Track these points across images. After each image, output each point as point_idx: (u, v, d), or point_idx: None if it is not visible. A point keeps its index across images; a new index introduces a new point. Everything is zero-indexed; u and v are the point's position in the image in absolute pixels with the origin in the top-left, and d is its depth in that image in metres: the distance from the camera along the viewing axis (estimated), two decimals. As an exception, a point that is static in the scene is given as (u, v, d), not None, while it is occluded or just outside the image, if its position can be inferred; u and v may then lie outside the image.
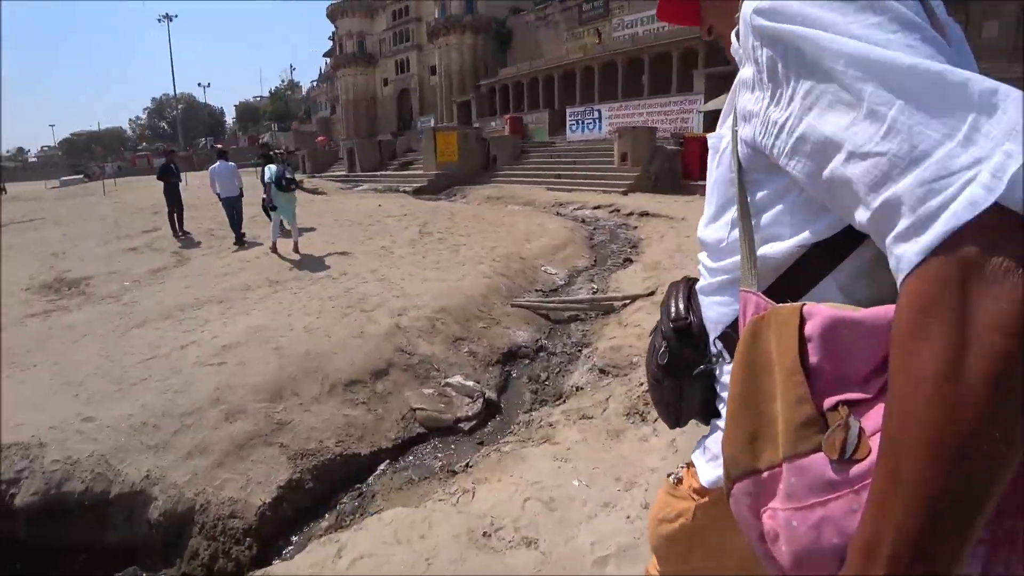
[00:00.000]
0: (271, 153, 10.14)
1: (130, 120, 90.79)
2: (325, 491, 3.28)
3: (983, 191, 0.34)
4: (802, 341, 0.46)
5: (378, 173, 24.45)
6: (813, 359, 0.45)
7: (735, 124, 0.60)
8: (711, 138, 0.69)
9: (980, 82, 0.36)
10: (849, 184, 0.42)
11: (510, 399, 4.15)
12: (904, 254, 0.38)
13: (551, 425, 3.25)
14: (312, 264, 7.20)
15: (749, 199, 0.59)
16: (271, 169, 7.48)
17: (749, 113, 0.55)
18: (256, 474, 3.20)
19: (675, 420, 0.79)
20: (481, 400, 3.82)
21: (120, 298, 6.10)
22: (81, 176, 29.59)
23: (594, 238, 10.13)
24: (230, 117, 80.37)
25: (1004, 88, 0.36)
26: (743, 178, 0.59)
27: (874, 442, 0.40)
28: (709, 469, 0.72)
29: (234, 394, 3.67)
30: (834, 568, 0.41)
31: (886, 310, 0.43)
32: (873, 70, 0.40)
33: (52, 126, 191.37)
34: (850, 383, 0.44)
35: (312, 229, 9.97)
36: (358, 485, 3.33)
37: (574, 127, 22.20)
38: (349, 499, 3.22)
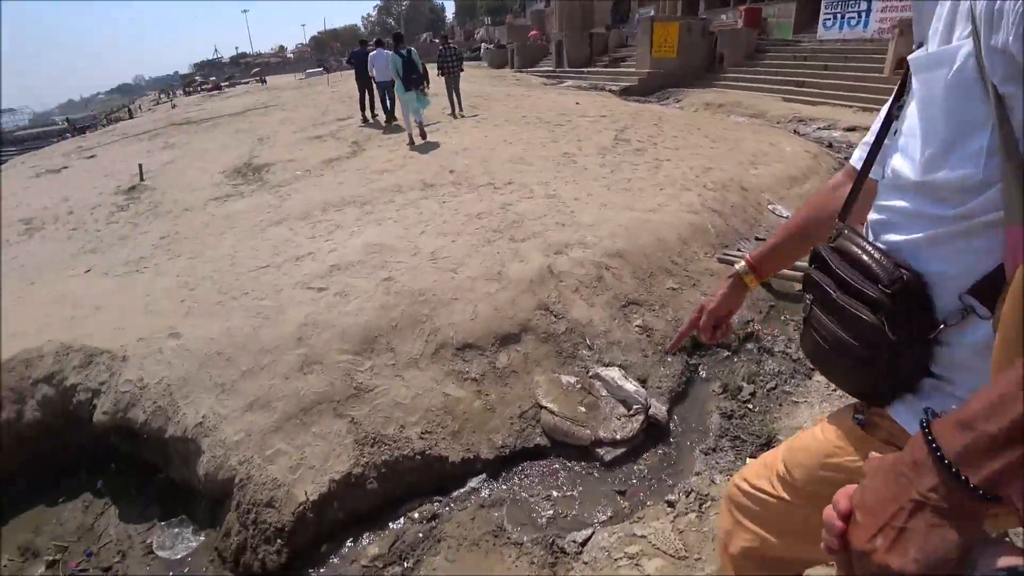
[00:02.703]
0: (454, 39, 9.82)
1: (362, 17, 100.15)
2: (389, 496, 2.42)
3: None
4: None
5: (585, 69, 22.51)
6: None
7: (977, 29, 0.54)
8: (920, 57, 0.62)
9: None
10: None
11: (686, 415, 2.75)
12: None
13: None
14: (476, 169, 6.26)
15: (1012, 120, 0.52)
16: (393, 58, 7.73)
17: (999, 12, 0.51)
18: (312, 454, 2.44)
19: (888, 396, 0.70)
20: (641, 417, 2.51)
21: (282, 189, 5.95)
22: (321, 69, 33.03)
23: (850, 170, 7.39)
24: (450, 12, 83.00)
25: None
26: (998, 94, 0.53)
27: None
28: None
29: (319, 336, 2.93)
30: None
31: None
32: None
33: (303, 25, 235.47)
34: None
35: (474, 115, 9.21)
36: (437, 499, 2.39)
37: (829, 22, 17.17)
38: (417, 521, 2.30)
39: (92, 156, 9.94)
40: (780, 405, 2.68)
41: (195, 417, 2.62)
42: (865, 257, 0.67)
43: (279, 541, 2.24)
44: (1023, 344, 0.48)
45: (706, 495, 2.10)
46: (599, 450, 2.43)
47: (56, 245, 5.40)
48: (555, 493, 2.30)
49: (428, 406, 2.65)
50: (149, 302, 3.50)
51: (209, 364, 2.86)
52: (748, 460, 2.32)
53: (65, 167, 9.30)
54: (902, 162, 0.65)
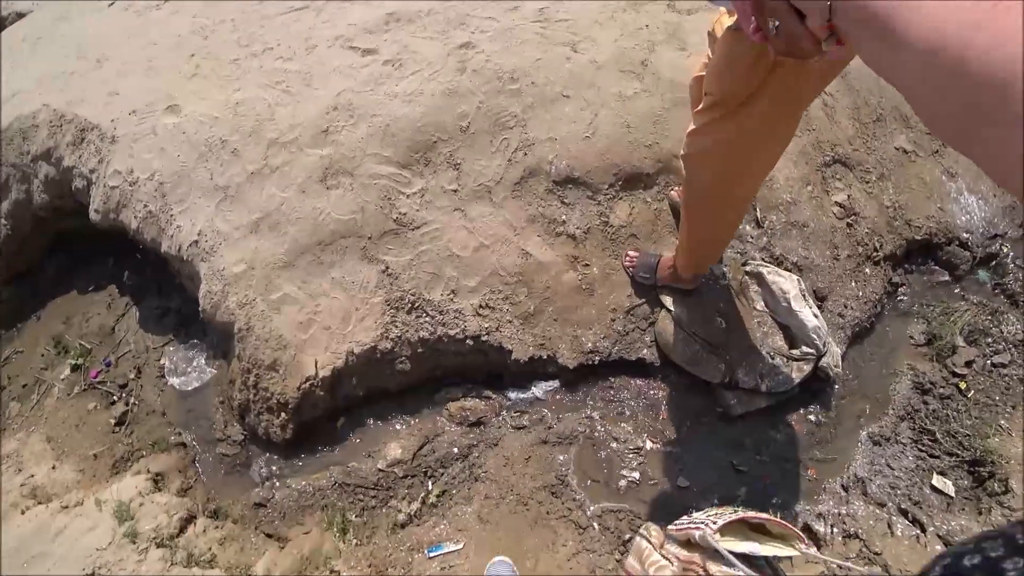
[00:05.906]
0: None
1: None
2: (426, 379, 1.88)
3: None
4: None
5: None
6: None
7: None
8: None
9: None
10: None
11: (862, 366, 1.84)
12: None
13: None
14: None
15: None
16: None
17: None
18: (329, 309, 1.88)
19: None
20: (809, 368, 1.61)
21: None
22: None
23: None
24: None
25: None
26: None
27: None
28: None
29: (353, 131, 2.14)
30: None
31: None
32: None
33: None
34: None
35: None
36: (487, 393, 1.82)
37: None
38: (455, 422, 1.78)
39: None
40: (1012, 406, 1.55)
41: (190, 231, 2.08)
42: None
43: (283, 415, 1.82)
44: None
45: (856, 534, 1.27)
46: (729, 395, 1.60)
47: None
48: (650, 445, 1.58)
49: (496, 267, 1.88)
50: (154, 55, 2.78)
51: (210, 156, 2.21)
52: (937, 477, 1.43)
53: None
54: None
